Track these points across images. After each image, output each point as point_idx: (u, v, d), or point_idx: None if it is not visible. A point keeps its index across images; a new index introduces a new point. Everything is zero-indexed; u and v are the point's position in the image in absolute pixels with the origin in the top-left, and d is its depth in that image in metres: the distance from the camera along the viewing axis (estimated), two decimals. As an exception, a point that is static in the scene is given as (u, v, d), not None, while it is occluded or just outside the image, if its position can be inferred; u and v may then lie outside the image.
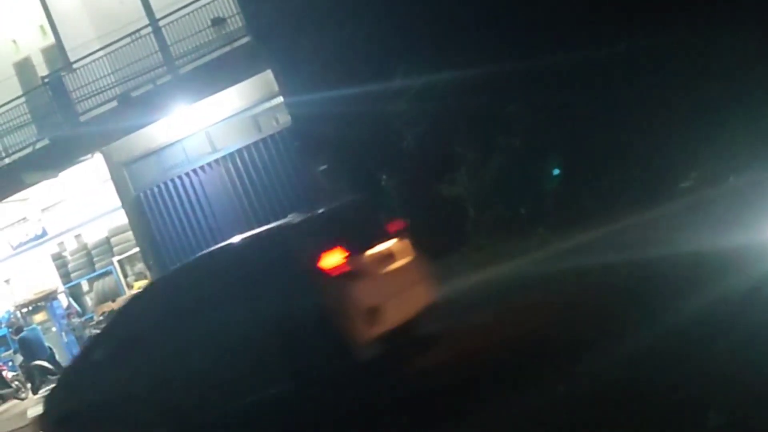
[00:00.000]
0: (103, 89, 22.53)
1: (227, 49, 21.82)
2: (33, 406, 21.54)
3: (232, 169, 22.34)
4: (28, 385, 23.00)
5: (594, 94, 16.03)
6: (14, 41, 26.24)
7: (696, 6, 15.00)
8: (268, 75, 21.29)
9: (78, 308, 26.35)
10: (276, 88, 21.36)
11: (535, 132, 16.78)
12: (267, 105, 22.25)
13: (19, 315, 25.92)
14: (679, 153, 15.13)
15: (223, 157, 22.42)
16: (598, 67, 15.90)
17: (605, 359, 7.59)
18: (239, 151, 22.31)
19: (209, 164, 22.53)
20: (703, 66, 15.22)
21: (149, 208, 22.91)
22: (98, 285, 26.63)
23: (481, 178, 17.49)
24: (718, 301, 8.01)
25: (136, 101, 22.06)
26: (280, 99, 21.46)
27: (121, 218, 24.41)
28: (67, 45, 23.60)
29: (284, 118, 21.86)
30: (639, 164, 15.63)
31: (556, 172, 16.77)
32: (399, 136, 18.63)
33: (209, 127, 22.59)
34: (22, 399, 23.49)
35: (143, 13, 22.29)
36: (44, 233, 26.37)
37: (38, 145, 23.67)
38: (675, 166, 15.10)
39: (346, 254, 9.84)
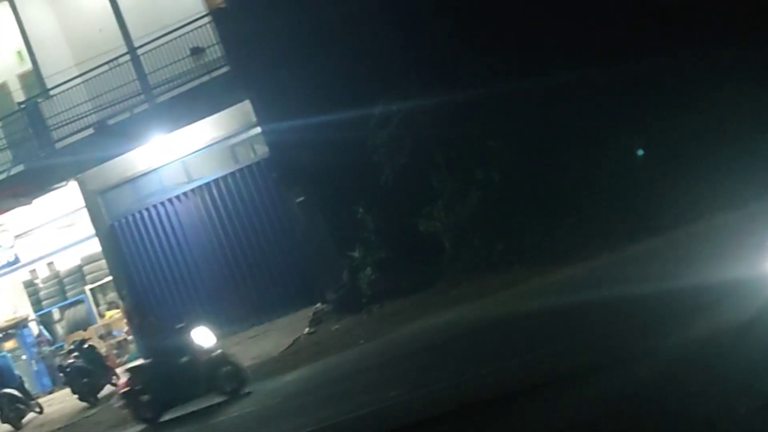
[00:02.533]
0: (79, 116, 22.38)
1: (205, 78, 21.75)
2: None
3: (208, 199, 22.23)
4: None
5: (573, 131, 16.08)
6: (-9, 66, 26.10)
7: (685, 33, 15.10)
8: (246, 105, 21.23)
9: (49, 336, 26.04)
10: (253, 118, 21.30)
11: (514, 167, 16.77)
12: (244, 135, 22.19)
13: (-13, 342, 25.57)
14: (659, 189, 15.10)
15: (200, 187, 22.31)
16: (580, 104, 15.94)
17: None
18: (216, 181, 22.21)
19: (185, 194, 22.42)
20: (682, 98, 15.27)
21: (123, 236, 22.76)
22: (70, 313, 26.35)
23: (459, 212, 17.45)
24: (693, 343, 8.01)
25: (113, 129, 21.95)
26: (258, 129, 21.40)
27: (95, 246, 24.20)
28: (45, 71, 23.47)
29: (261, 149, 21.80)
30: (617, 201, 15.60)
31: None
32: (377, 168, 18.58)
33: (186, 157, 22.50)
34: (-10, 428, 23.20)
35: (122, 41, 22.23)
36: (16, 260, 26.06)
37: (13, 171, 23.46)
38: (654, 202, 15.06)
39: None
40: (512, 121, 16.68)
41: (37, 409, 22.10)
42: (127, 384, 16.03)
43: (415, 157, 18.06)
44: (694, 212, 13.98)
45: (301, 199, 20.57)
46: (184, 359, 14.98)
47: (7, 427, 21.75)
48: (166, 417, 15.49)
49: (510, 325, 12.27)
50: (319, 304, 19.97)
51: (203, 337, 15.27)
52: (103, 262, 24.33)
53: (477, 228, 17.12)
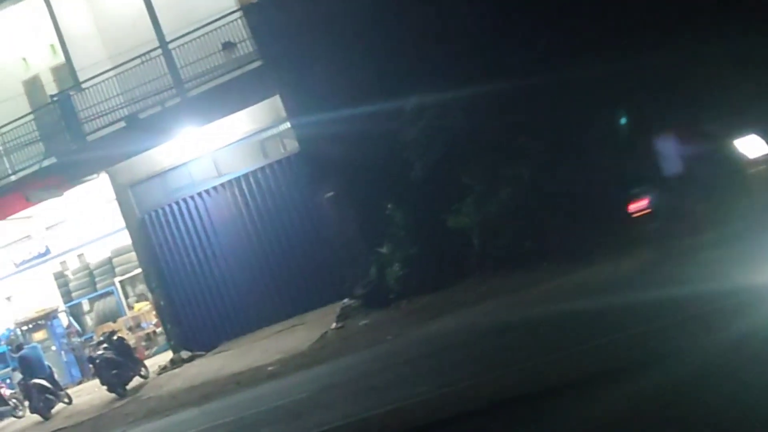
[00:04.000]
0: (111, 110, 22.52)
1: (237, 73, 21.81)
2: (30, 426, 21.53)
3: (237, 194, 22.33)
4: (26, 404, 22.88)
5: (604, 129, 16.00)
6: (24, 59, 26.26)
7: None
8: (276, 100, 21.29)
9: (78, 328, 26.29)
10: (284, 113, 21.37)
11: (544, 164, 16.73)
12: (274, 130, 22.26)
13: (19, 333, 25.83)
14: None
15: (229, 182, 22.42)
16: (612, 101, 15.86)
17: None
18: (245, 175, 22.30)
19: (215, 188, 22.53)
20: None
21: (153, 229, 22.89)
22: (99, 305, 26.60)
23: (488, 209, 17.41)
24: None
25: (144, 123, 22.05)
26: (288, 125, 21.47)
27: (125, 239, 24.36)
28: (77, 65, 23.62)
29: (291, 144, 21.85)
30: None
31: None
32: (407, 164, 18.60)
33: (216, 151, 22.61)
34: (19, 417, 23.39)
35: (154, 35, 22.32)
36: (47, 251, 26.31)
37: (45, 164, 23.62)
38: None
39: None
40: (543, 117, 16.64)
41: (66, 400, 22.32)
42: None
43: (446, 153, 18.06)
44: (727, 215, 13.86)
45: (331, 194, 20.60)
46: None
47: (36, 417, 21.98)
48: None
49: (538, 323, 12.23)
50: (347, 300, 20.00)
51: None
52: (133, 254, 24.49)
53: (506, 225, 17.07)
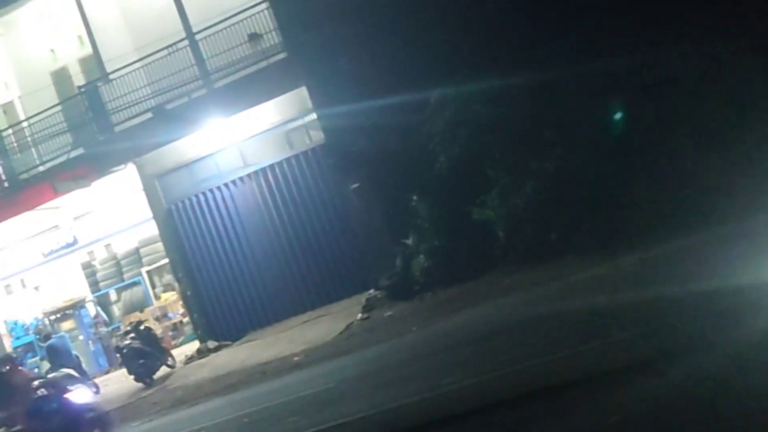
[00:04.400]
0: (138, 101, 22.68)
1: (263, 64, 21.92)
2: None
3: (263, 185, 22.45)
4: (54, 393, 23.11)
5: (629, 121, 16.01)
6: (52, 50, 26.46)
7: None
8: (302, 91, 21.40)
9: (105, 317, 26.52)
10: (309, 104, 21.48)
11: (569, 157, 16.73)
12: (300, 121, 22.34)
13: (47, 322, 26.09)
14: (717, 181, 14.89)
15: (255, 172, 22.54)
16: (635, 94, 15.86)
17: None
18: (271, 166, 22.42)
19: (241, 179, 22.66)
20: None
21: (180, 220, 23.06)
22: (126, 295, 26.81)
23: (513, 201, 17.44)
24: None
25: (171, 114, 22.20)
26: (313, 116, 21.56)
27: (152, 229, 24.55)
28: (104, 56, 23.81)
29: (317, 135, 21.95)
30: (674, 192, 15.44)
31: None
32: (432, 156, 18.66)
33: (242, 142, 22.73)
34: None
35: (181, 26, 22.46)
36: (75, 242, 26.53)
37: (72, 154, 23.82)
38: (712, 194, 14.81)
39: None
40: (568, 110, 16.65)
41: (93, 389, 22.52)
42: None
43: (470, 146, 18.11)
44: (755, 205, 13.81)
45: (356, 185, 20.69)
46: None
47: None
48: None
49: (564, 315, 12.27)
50: (372, 291, 20.10)
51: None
52: (160, 244, 24.67)
53: (531, 217, 17.09)
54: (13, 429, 15.82)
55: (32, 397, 15.42)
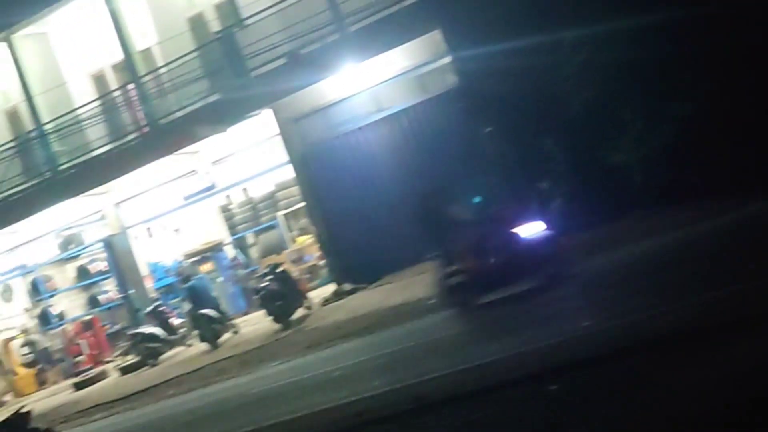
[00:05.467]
0: (273, 46, 23.11)
1: (396, 7, 22.07)
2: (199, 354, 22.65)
3: (397, 129, 22.69)
4: (195, 333, 24.05)
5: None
6: (189, -4, 27.14)
7: None
8: (436, 34, 21.47)
9: (243, 260, 27.25)
10: (443, 47, 21.55)
11: (709, 98, 16.52)
12: (434, 65, 22.45)
13: (187, 264, 26.94)
14: None
15: (389, 117, 22.80)
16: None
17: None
18: (405, 110, 22.65)
19: (375, 123, 22.95)
20: None
21: (315, 164, 23.52)
22: (263, 238, 27.50)
23: (650, 144, 17.33)
24: None
25: (306, 59, 22.59)
26: (447, 59, 21.65)
27: (288, 173, 25.13)
28: (240, 1, 24.35)
29: (450, 79, 22.03)
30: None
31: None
32: (567, 98, 18.62)
33: (376, 86, 23.00)
34: (188, 346, 24.62)
35: (315, -30, 22.72)
36: (213, 186, 27.28)
37: (209, 100, 24.48)
38: None
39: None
40: (709, 51, 16.42)
41: (233, 330, 23.38)
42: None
43: (606, 88, 18.01)
44: None
45: (489, 129, 20.76)
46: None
47: (204, 345, 23.11)
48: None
49: (705, 258, 12.30)
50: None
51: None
52: (296, 188, 25.25)
53: (668, 160, 16.99)
54: (452, 268, 15.46)
55: (475, 231, 14.95)
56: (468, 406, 9.57)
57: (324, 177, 23.43)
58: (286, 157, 24.32)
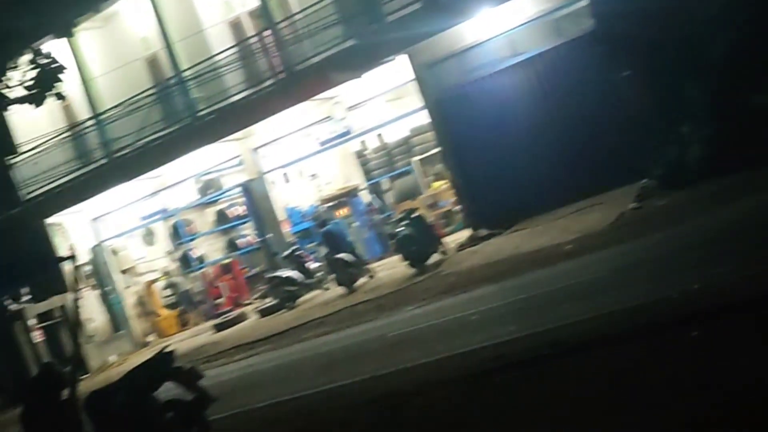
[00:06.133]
0: (409, -11, 23.21)
1: (534, -51, 21.96)
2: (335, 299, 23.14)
3: (532, 74, 22.64)
4: (331, 277, 24.59)
5: None
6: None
7: None
8: (573, -24, 21.33)
9: (379, 205, 27.62)
10: (580, -10, 21.38)
11: None
12: (569, 8, 22.28)
13: (323, 209, 27.45)
14: None
15: (525, 61, 22.75)
16: None
17: None
18: (539, 55, 22.57)
19: (511, 68, 22.93)
20: None
21: (450, 109, 23.62)
22: (398, 183, 27.84)
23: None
24: None
25: (441, 3, 22.62)
26: (583, 2, 21.44)
27: (422, 119, 25.33)
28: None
29: (586, 22, 21.80)
30: None
31: None
32: (708, 42, 18.31)
33: (511, 30, 22.94)
34: (325, 290, 25.17)
35: None
36: (348, 131, 27.64)
37: (345, 45, 24.73)
38: None
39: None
40: None
41: (369, 274, 23.82)
42: None
43: (751, 29, 17.64)
44: None
45: (627, 73, 20.54)
46: None
47: (341, 289, 23.61)
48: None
49: None
50: (644, 180, 20.02)
51: None
52: (431, 134, 25.45)
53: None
54: None
55: None
56: (606, 352, 9.70)
57: (459, 122, 23.54)
58: (420, 103, 24.51)
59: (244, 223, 30.91)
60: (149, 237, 32.50)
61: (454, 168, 24.26)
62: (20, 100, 21.75)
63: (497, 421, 8.84)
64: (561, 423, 8.09)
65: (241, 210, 30.77)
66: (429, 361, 12.56)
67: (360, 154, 28.32)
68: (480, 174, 23.22)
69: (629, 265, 14.08)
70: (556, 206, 21.81)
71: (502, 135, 22.77)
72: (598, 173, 21.49)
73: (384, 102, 27.18)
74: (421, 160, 27.07)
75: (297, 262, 25.61)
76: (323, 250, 24.82)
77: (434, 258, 22.13)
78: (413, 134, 27.14)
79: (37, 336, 29.22)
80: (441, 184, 26.29)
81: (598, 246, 16.62)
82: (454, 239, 23.99)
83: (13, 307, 28.56)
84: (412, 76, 24.29)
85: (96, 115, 30.06)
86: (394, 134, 27.78)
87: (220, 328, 26.44)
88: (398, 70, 24.69)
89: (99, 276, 31.32)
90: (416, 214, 22.68)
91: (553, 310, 12.77)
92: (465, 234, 23.72)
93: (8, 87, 21.86)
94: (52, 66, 21.42)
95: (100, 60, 30.90)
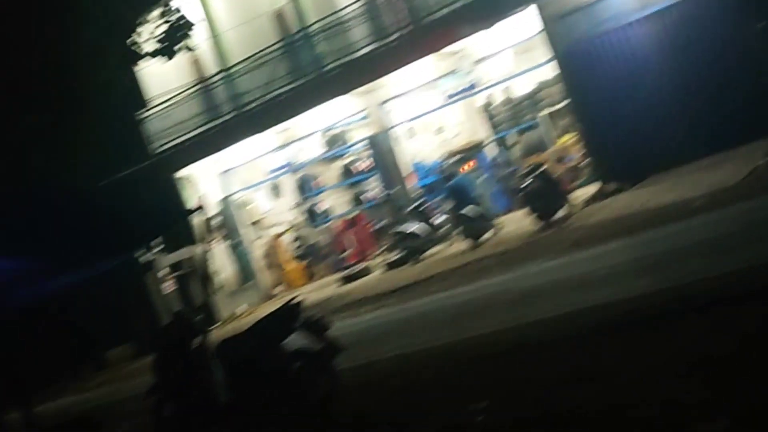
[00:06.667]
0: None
1: None
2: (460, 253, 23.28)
3: (663, 26, 22.27)
4: (456, 231, 24.72)
5: None
6: None
7: None
8: None
9: (505, 159, 27.57)
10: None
11: None
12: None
13: (449, 163, 27.52)
14: None
15: (656, 13, 22.38)
16: None
17: None
18: (669, 7, 22.18)
19: (641, 20, 22.59)
20: None
21: (580, 61, 23.43)
22: (524, 137, 27.73)
23: None
24: None
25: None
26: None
27: (550, 72, 25.16)
28: None
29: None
30: None
31: None
32: None
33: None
34: (451, 244, 25.34)
35: None
36: (474, 85, 27.63)
37: (471, -2, 24.68)
38: None
39: None
40: None
41: (495, 229, 23.90)
42: None
43: None
44: None
45: (762, 23, 20.10)
46: None
47: (466, 243, 23.74)
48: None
49: None
50: (778, 135, 19.61)
51: None
52: (557, 87, 25.27)
53: None
54: None
55: None
56: (737, 310, 9.65)
57: (589, 75, 23.32)
58: (549, 56, 24.35)
59: (370, 177, 31.17)
60: (276, 190, 33.06)
61: (583, 122, 24.09)
62: (151, 55, 22.36)
63: (624, 377, 8.89)
64: (688, 381, 8.09)
65: (366, 164, 31.03)
66: (556, 316, 12.62)
67: (486, 108, 28.26)
68: (609, 128, 23.00)
69: (761, 221, 13.87)
70: (685, 161, 21.52)
71: (633, 88, 22.52)
72: (729, 127, 21.06)
73: (511, 55, 27.03)
74: (548, 114, 26.89)
75: (422, 216, 25.78)
76: (449, 205, 24.90)
77: (562, 212, 22.06)
78: (540, 88, 26.97)
79: (168, 286, 30.10)
80: (568, 139, 26.12)
81: (729, 201, 16.37)
82: (581, 194, 23.85)
83: (145, 258, 29.41)
84: (541, 28, 24.11)
85: (224, 69, 30.62)
86: (521, 88, 27.64)
87: (346, 281, 26.88)
88: (526, 22, 24.53)
89: (228, 228, 32.02)
90: (543, 168, 22.62)
91: (683, 266, 12.70)
92: (592, 189, 23.58)
93: (138, 42, 22.52)
94: (182, 21, 21.99)
95: (227, 14, 31.38)
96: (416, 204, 26.20)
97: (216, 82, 31.17)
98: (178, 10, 22.62)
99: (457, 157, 27.56)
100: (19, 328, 13.13)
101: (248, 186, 32.83)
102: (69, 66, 24.52)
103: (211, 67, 31.92)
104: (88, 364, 30.61)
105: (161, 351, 12.08)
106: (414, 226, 25.55)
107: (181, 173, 31.77)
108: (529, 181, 22.00)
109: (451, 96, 28.17)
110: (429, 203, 26.45)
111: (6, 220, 11.47)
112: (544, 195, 21.73)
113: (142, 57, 23.19)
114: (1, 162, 26.30)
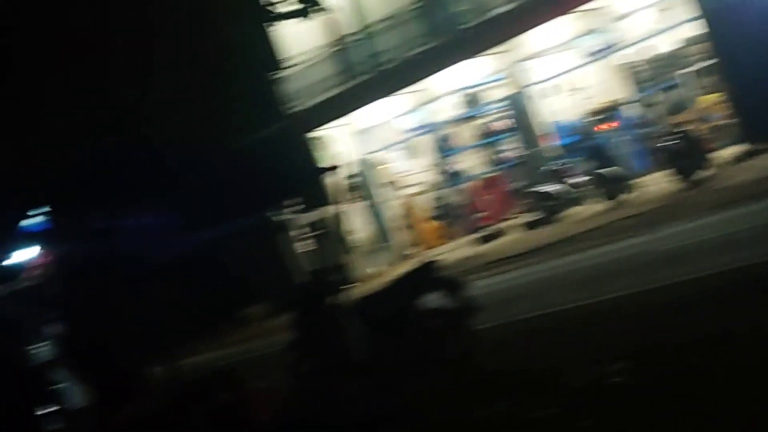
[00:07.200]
0: None
1: None
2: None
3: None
4: (595, 192, 24.50)
5: None
6: None
7: None
8: None
9: (646, 119, 27.10)
10: None
11: None
12: None
13: (588, 123, 27.21)
14: None
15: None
16: None
17: None
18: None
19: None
20: None
21: (729, 20, 22.87)
22: (666, 97, 27.19)
23: None
24: None
25: None
26: None
27: (693, 30, 24.63)
28: None
29: None
30: None
31: None
32: None
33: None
34: (589, 205, 25.13)
35: None
36: (614, 44, 27.22)
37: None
38: None
39: None
40: None
41: (635, 189, 23.62)
42: None
43: None
44: None
45: None
46: None
47: (605, 204, 23.57)
48: None
49: None
50: None
51: None
52: (702, 45, 24.73)
53: None
54: None
55: None
56: None
57: (739, 33, 22.73)
58: (691, 13, 23.84)
59: (507, 137, 31.03)
60: (412, 151, 33.20)
61: (729, 80, 23.55)
62: (287, 16, 22.66)
63: (761, 343, 8.73)
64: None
65: (503, 124, 30.89)
66: (696, 277, 12.49)
67: (626, 67, 27.80)
68: (757, 87, 22.38)
69: None
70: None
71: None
72: None
73: (652, 13, 26.52)
74: (691, 72, 26.32)
75: (561, 176, 25.66)
76: (587, 165, 24.71)
77: (704, 173, 21.68)
78: (684, 46, 26.39)
79: (303, 246, 30.53)
80: (712, 98, 25.54)
81: None
82: (725, 154, 23.37)
83: (279, 218, 29.86)
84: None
85: (360, 30, 30.82)
86: (662, 46, 27.09)
87: (482, 241, 26.95)
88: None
89: (363, 188, 32.30)
90: (685, 127, 22.25)
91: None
92: (735, 149, 23.10)
93: (274, 2, 22.83)
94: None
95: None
96: (554, 164, 26.06)
97: (351, 42, 31.40)
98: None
99: (597, 116, 27.20)
100: (162, 283, 13.54)
101: (384, 146, 33.03)
102: (208, 26, 25.02)
103: (346, 26, 32.14)
104: (227, 321, 31.35)
105: (299, 308, 12.33)
106: (552, 187, 25.46)
107: (317, 133, 32.14)
108: (670, 140, 21.66)
109: (590, 54, 27.78)
110: (567, 163, 26.25)
111: (149, 179, 11.85)
112: (686, 155, 21.43)
113: (277, 18, 23.50)
114: (143, 124, 27.02)
